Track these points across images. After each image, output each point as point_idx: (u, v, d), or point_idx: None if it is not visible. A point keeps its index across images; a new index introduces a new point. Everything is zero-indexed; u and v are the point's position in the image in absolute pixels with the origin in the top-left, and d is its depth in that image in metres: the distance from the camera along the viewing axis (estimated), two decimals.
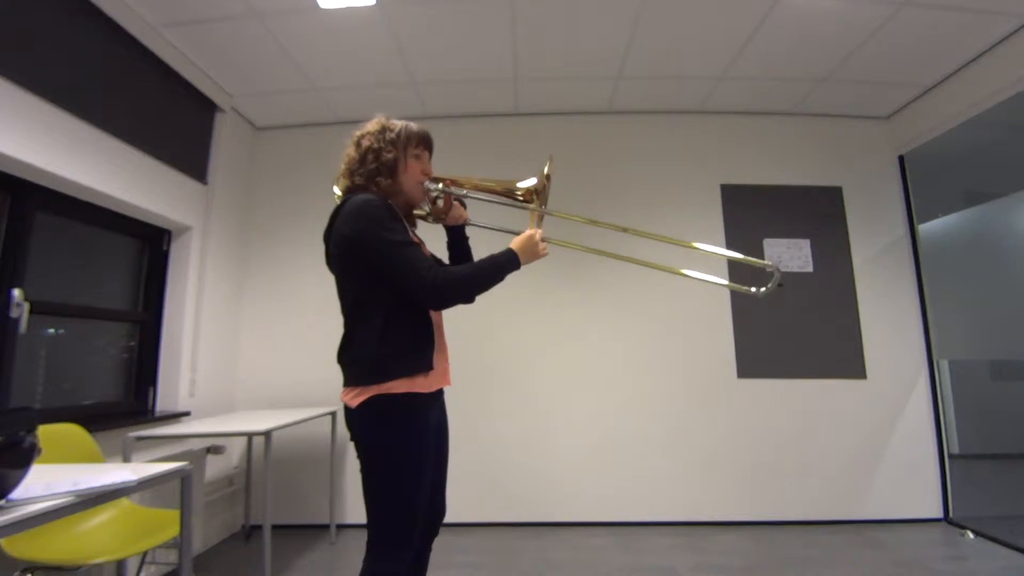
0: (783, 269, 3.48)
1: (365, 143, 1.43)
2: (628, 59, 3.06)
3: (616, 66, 3.14)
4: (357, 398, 1.29)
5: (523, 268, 1.41)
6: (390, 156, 1.41)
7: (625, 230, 1.67)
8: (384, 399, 1.28)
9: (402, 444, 1.29)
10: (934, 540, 2.95)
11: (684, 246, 1.72)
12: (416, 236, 1.53)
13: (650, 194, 3.59)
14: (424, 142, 1.49)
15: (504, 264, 1.38)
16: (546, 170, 1.53)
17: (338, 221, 1.34)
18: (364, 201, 1.33)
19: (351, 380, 1.33)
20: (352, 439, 1.33)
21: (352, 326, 1.36)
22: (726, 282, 1.64)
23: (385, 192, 1.40)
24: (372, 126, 1.46)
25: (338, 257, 1.36)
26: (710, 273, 3.44)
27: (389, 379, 1.28)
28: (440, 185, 1.51)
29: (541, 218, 1.52)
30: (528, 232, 1.44)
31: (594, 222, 1.70)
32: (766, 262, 1.55)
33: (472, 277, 1.35)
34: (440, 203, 1.57)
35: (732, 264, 3.48)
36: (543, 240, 1.44)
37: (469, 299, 1.35)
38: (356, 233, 1.30)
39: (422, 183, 1.48)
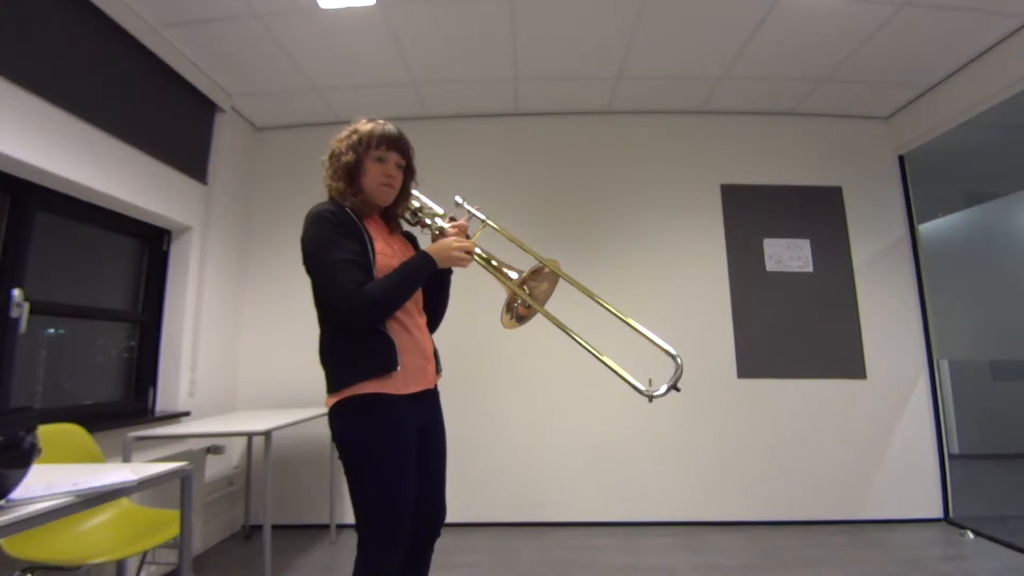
0: (783, 269, 3.49)
1: (331, 147, 1.46)
2: (628, 59, 3.06)
3: (616, 66, 3.14)
4: (331, 400, 1.34)
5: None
6: (349, 159, 1.41)
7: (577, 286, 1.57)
8: (355, 399, 1.31)
9: (373, 440, 1.31)
10: (934, 540, 2.95)
11: (617, 315, 1.62)
12: (399, 238, 1.55)
13: (650, 194, 3.59)
14: (387, 142, 1.44)
15: (417, 269, 1.38)
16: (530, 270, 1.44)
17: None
18: (315, 211, 1.37)
19: (328, 385, 1.36)
20: (332, 440, 1.37)
21: (321, 331, 1.39)
22: (624, 374, 1.39)
23: (342, 196, 1.41)
24: (346, 130, 1.48)
25: (303, 262, 1.38)
26: (712, 272, 3.40)
27: (355, 382, 1.31)
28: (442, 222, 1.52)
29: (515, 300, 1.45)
30: (446, 240, 1.43)
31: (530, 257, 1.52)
32: (674, 353, 1.38)
33: (387, 296, 1.32)
34: (437, 232, 1.54)
35: (732, 269, 3.50)
36: (468, 252, 1.42)
37: (389, 315, 1.35)
38: (304, 241, 1.35)
39: (385, 185, 1.44)
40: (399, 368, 1.34)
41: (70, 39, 2.24)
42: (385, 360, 1.33)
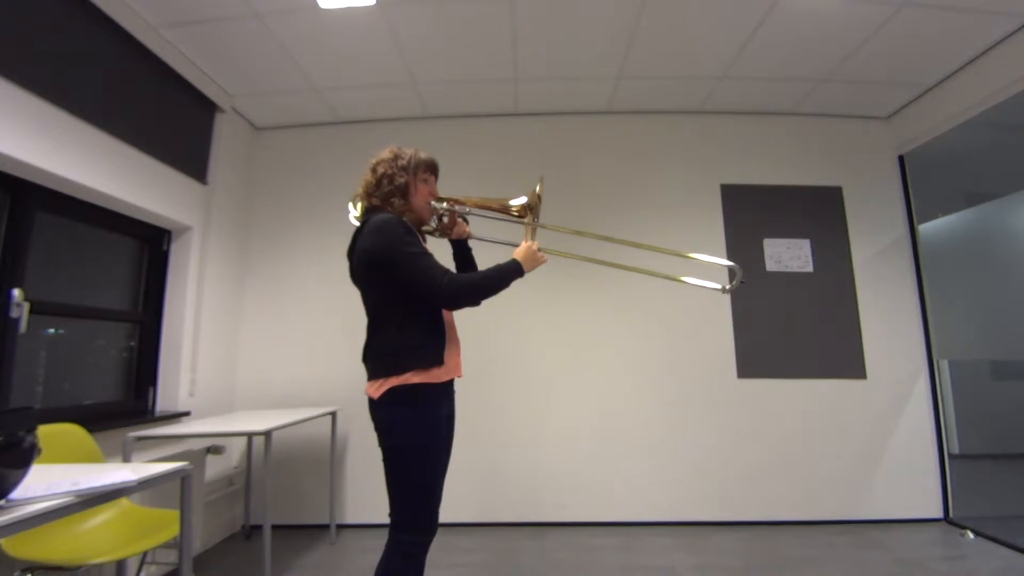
0: (783, 269, 3.49)
1: (380, 169, 1.60)
2: (628, 59, 3.06)
3: (616, 66, 3.14)
4: (379, 389, 1.46)
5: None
6: (402, 180, 1.59)
7: (608, 239, 1.98)
8: (402, 388, 1.43)
9: (418, 427, 1.44)
10: (934, 540, 2.95)
11: (655, 251, 2.00)
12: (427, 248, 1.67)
13: (650, 194, 3.59)
14: (431, 168, 1.67)
15: (509, 272, 1.55)
16: (537, 189, 1.70)
17: (361, 238, 1.52)
18: (383, 220, 1.50)
19: (373, 374, 1.49)
20: (376, 429, 1.48)
21: (374, 329, 1.53)
22: (694, 280, 1.88)
23: (398, 211, 1.58)
24: (386, 154, 1.63)
25: (361, 270, 1.53)
26: (712, 273, 3.45)
27: (406, 371, 1.44)
28: (445, 204, 1.70)
29: (534, 231, 1.71)
30: (526, 243, 1.62)
31: (581, 233, 1.94)
32: (729, 263, 1.82)
33: (480, 283, 1.52)
34: (445, 220, 1.73)
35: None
36: (540, 250, 1.62)
37: (476, 303, 1.52)
38: (376, 247, 1.47)
39: (430, 203, 1.65)
40: (444, 363, 1.50)
41: (70, 39, 2.24)
42: (436, 354, 1.48)
